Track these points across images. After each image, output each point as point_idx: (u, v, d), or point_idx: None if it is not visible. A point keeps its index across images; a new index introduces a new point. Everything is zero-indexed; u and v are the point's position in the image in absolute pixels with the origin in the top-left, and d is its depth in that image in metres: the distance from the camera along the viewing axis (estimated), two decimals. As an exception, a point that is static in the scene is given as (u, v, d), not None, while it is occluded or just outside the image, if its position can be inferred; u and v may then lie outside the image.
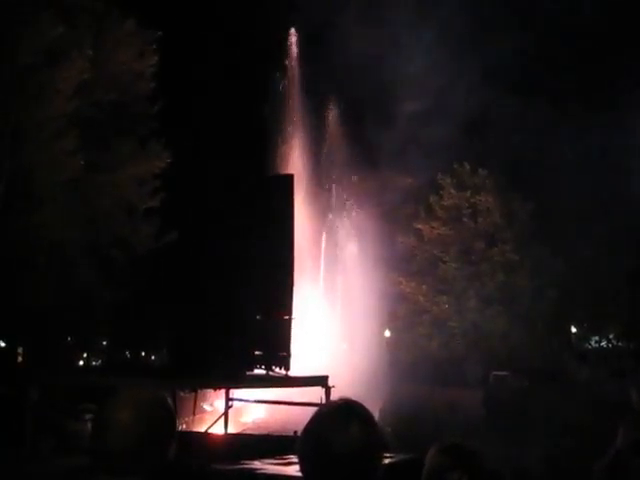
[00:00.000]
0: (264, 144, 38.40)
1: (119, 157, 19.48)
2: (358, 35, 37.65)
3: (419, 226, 39.11)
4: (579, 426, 18.51)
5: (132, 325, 22.55)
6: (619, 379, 25.38)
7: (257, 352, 12.95)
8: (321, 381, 11.82)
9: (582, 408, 22.99)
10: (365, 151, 39.07)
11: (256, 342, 12.97)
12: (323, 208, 41.23)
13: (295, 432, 7.09)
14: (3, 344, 23.80)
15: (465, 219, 38.04)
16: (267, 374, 12.58)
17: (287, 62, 41.44)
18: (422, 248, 39.27)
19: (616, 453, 3.13)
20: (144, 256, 19.26)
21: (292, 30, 41.56)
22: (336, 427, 1.66)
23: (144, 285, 18.51)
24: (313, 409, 1.80)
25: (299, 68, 41.44)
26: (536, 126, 35.31)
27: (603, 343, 39.56)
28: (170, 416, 1.91)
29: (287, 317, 13.00)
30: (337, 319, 38.93)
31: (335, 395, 9.49)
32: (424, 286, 38.21)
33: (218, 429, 11.28)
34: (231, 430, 11.94)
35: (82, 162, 17.60)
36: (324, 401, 10.08)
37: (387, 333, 40.15)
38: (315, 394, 11.47)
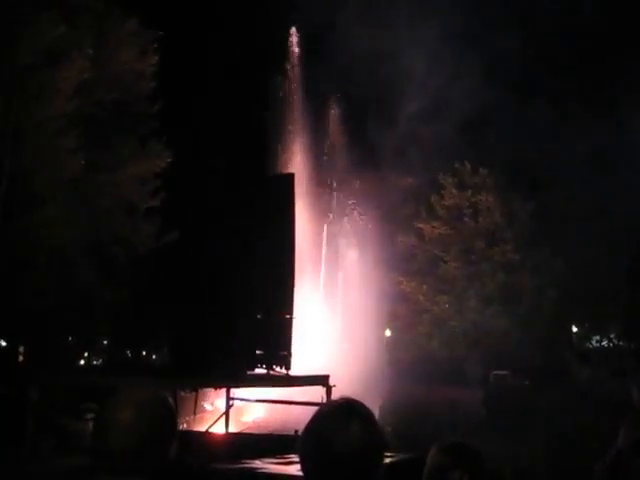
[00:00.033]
0: (264, 144, 38.41)
1: (120, 156, 19.48)
2: (358, 35, 37.70)
3: (420, 226, 39.12)
4: (580, 426, 18.50)
5: (133, 324, 22.53)
6: (620, 379, 25.36)
7: (258, 351, 12.95)
8: (322, 380, 11.83)
9: (583, 408, 22.97)
10: (366, 150, 39.10)
11: (257, 341, 12.97)
12: (324, 208, 41.22)
13: (296, 431, 7.10)
14: (4, 343, 23.80)
15: (466, 219, 38.05)
16: (268, 373, 12.57)
17: (288, 62, 41.43)
18: (423, 248, 39.29)
19: (617, 453, 3.12)
20: (144, 256, 19.25)
21: (293, 30, 41.57)
22: (337, 426, 1.66)
23: (144, 284, 18.51)
24: (314, 408, 1.80)
25: (300, 68, 41.43)
26: (536, 126, 35.32)
27: (604, 343, 39.56)
28: (171, 416, 1.91)
29: (288, 316, 13.00)
30: (338, 318, 38.93)
31: (336, 394, 9.49)
32: (424, 286, 38.22)
33: (219, 428, 11.28)
34: (232, 429, 11.95)
35: (83, 162, 17.60)
36: (325, 400, 10.08)
37: (388, 332, 40.18)
38: (316, 393, 11.48)
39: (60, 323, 19.05)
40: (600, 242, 32.32)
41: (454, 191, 38.48)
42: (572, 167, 33.19)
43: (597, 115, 33.36)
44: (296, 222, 13.47)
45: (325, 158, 41.95)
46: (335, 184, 42.28)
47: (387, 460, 1.85)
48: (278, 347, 12.80)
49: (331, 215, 41.92)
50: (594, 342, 39.98)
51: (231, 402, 11.63)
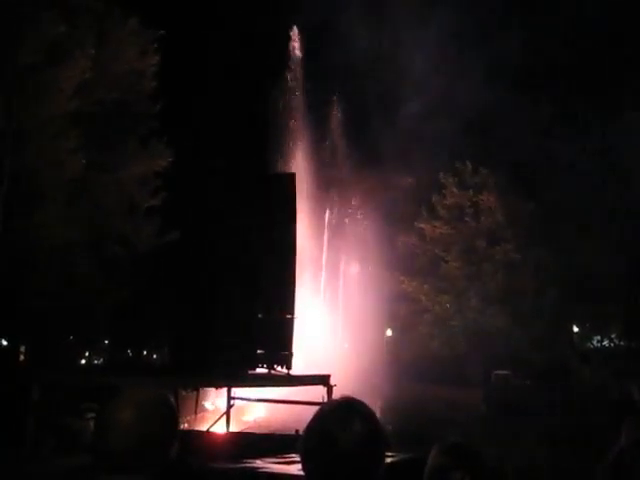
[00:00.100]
0: (265, 144, 38.44)
1: (120, 156, 19.47)
2: (360, 35, 37.74)
3: (421, 225, 39.09)
4: (581, 425, 18.50)
5: (133, 324, 22.57)
6: (621, 378, 25.35)
7: (259, 351, 12.96)
8: (323, 380, 11.84)
9: (584, 407, 22.97)
10: (367, 150, 39.12)
11: (258, 341, 12.98)
12: (325, 207, 41.25)
13: (297, 431, 7.09)
14: (5, 343, 23.81)
15: (467, 218, 38.01)
16: (269, 373, 12.59)
17: (288, 61, 41.46)
18: (424, 247, 39.26)
19: (619, 452, 3.12)
20: (145, 255, 19.26)
21: (294, 29, 41.59)
22: (338, 425, 1.66)
23: (145, 284, 18.53)
24: (315, 408, 1.80)
25: (300, 67, 41.45)
26: (537, 125, 35.29)
27: (605, 343, 39.51)
28: (172, 415, 1.91)
29: (289, 316, 13.01)
30: (339, 318, 39.00)
31: (337, 394, 9.49)
32: (426, 285, 38.19)
33: (220, 428, 11.29)
34: (233, 429, 11.96)
35: (84, 161, 17.59)
36: (326, 400, 10.09)
37: (389, 332, 40.19)
38: (317, 393, 11.49)
39: (61, 323, 19.06)
40: (600, 242, 32.29)
41: (455, 191, 38.43)
42: (572, 167, 33.18)
43: (598, 115, 33.39)
44: (297, 222, 13.49)
45: (326, 157, 41.98)
46: (336, 183, 42.30)
47: (388, 460, 1.85)
48: (279, 347, 12.82)
49: (332, 214, 41.95)
50: (595, 342, 39.92)
51: (232, 401, 11.65)
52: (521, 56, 36.94)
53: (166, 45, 21.27)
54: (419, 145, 35.80)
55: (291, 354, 12.65)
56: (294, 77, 41.34)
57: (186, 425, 13.63)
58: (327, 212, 41.46)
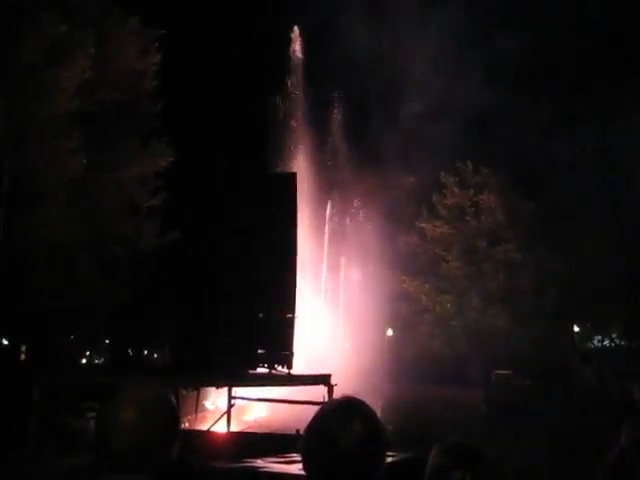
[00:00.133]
0: (266, 143, 38.42)
1: (121, 156, 19.47)
2: (360, 35, 37.74)
3: (422, 225, 39.07)
4: (581, 425, 18.48)
5: (134, 324, 22.58)
6: (622, 378, 25.33)
7: (259, 350, 12.97)
8: (323, 379, 11.85)
9: (585, 407, 22.95)
10: (368, 150, 39.10)
11: (258, 340, 12.99)
12: (325, 207, 41.22)
13: (297, 430, 7.10)
14: (6, 342, 23.82)
15: (468, 218, 37.99)
16: (270, 372, 12.60)
17: (289, 61, 41.44)
18: (425, 247, 39.25)
19: (620, 452, 3.12)
20: (146, 255, 19.27)
21: (295, 30, 41.57)
22: (339, 424, 1.66)
23: (145, 284, 18.54)
24: (315, 407, 1.80)
25: (301, 67, 41.43)
26: (537, 125, 35.27)
27: (606, 342, 39.50)
28: (173, 415, 1.91)
29: (290, 316, 13.01)
30: (339, 318, 38.98)
31: (337, 393, 9.49)
32: (426, 285, 38.18)
33: (220, 427, 11.30)
34: (233, 428, 11.97)
35: (84, 161, 17.58)
36: (327, 399, 10.09)
37: (389, 332, 40.17)
38: (317, 392, 11.49)
39: (61, 322, 19.06)
40: (601, 242, 32.27)
41: (456, 190, 38.41)
42: (573, 167, 33.17)
43: (598, 115, 33.35)
44: (298, 221, 13.50)
45: (327, 157, 41.96)
46: (337, 183, 42.28)
47: (388, 459, 1.85)
48: (280, 346, 12.82)
49: (333, 214, 41.92)
50: (595, 342, 39.91)
51: (233, 401, 11.65)
52: (521, 56, 36.93)
53: (166, 45, 21.26)
54: (419, 145, 35.80)
55: (292, 354, 12.65)
56: (294, 77, 41.33)
57: (187, 425, 13.63)
58: (328, 212, 41.43)
